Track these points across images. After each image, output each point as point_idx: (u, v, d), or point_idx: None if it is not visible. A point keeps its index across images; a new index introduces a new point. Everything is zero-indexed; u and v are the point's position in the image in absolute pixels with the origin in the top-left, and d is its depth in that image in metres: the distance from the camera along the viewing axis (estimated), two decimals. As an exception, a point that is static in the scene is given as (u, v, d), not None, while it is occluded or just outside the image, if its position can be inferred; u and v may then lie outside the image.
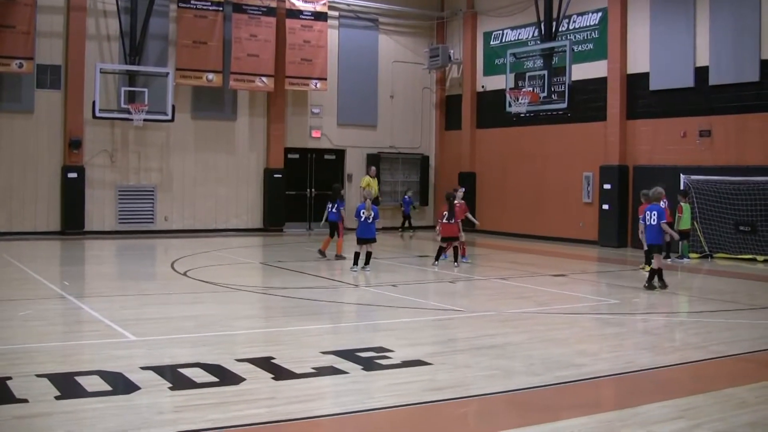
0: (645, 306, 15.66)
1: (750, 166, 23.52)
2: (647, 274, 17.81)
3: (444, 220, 20.84)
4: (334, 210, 22.13)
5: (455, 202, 21.49)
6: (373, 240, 19.97)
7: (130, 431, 7.25)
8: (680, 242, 22.51)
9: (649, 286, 17.19)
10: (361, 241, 19.82)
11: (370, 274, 19.22)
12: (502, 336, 12.16)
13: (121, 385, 8.77)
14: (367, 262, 19.70)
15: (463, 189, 23.66)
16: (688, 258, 23.16)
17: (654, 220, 17.10)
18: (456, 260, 21.15)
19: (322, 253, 22.33)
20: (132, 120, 28.00)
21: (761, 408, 8.48)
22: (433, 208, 35.76)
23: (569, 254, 22.08)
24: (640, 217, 18.38)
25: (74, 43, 28.13)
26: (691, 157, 25.14)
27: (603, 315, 14.72)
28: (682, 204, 22.61)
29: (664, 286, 17.16)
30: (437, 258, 21.28)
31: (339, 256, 22.08)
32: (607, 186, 27.63)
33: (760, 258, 22.92)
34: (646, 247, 18.74)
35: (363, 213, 19.81)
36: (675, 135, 25.81)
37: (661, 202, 18.86)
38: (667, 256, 22.24)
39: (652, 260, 17.54)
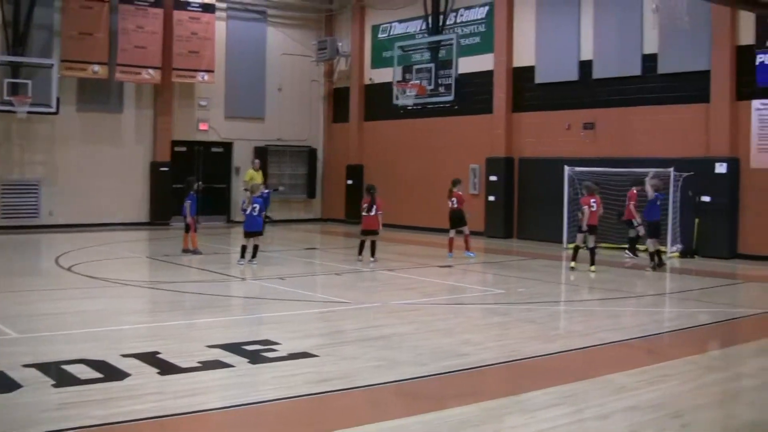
0: (530, 296, 15.91)
1: (632, 157, 24.02)
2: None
3: (364, 213, 20.50)
4: (185, 204, 21.83)
5: (454, 190, 21.58)
6: (260, 233, 19.91)
7: (12, 431, 7.15)
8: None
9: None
10: (248, 234, 19.76)
11: (257, 267, 19.18)
12: (388, 327, 12.28)
13: (2, 383, 8.62)
14: (254, 255, 19.63)
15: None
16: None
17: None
18: (373, 255, 20.52)
19: (185, 251, 21.85)
20: (15, 112, 27.32)
21: (639, 393, 8.72)
22: (321, 201, 35.78)
23: (455, 245, 22.28)
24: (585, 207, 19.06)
25: (-47, 33, 27.38)
26: (576, 149, 25.60)
27: (488, 305, 14.95)
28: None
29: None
30: (360, 251, 20.61)
31: (192, 251, 21.61)
32: (493, 178, 27.96)
33: (641, 248, 23.43)
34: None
35: (244, 205, 19.78)
36: (560, 127, 26.26)
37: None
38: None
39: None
